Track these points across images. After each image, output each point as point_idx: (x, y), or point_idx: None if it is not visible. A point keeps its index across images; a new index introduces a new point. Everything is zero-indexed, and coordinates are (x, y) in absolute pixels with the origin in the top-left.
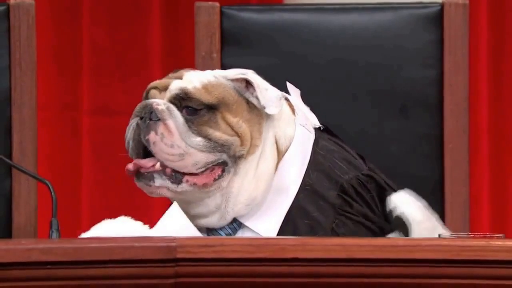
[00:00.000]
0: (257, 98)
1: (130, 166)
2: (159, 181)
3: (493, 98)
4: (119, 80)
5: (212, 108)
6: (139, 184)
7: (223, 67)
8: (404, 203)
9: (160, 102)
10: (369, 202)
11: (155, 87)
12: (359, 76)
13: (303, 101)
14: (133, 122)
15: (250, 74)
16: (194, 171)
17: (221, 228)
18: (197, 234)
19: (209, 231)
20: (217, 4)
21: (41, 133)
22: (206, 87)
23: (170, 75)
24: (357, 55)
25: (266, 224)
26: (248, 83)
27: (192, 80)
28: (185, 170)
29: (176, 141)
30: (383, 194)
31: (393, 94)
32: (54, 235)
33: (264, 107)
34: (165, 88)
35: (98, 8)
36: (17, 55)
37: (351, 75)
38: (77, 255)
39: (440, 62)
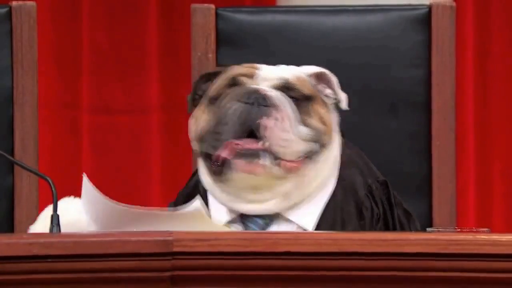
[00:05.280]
0: (333, 92)
1: (226, 152)
2: (263, 160)
3: (478, 97)
4: (117, 80)
5: (307, 99)
6: (240, 162)
7: (219, 67)
8: None
9: (269, 89)
10: (384, 208)
11: (243, 75)
12: (350, 76)
13: None
14: (234, 105)
15: (325, 70)
16: (291, 159)
17: (257, 216)
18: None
19: (243, 218)
20: (213, 6)
21: (42, 131)
22: (297, 78)
23: (244, 65)
24: (348, 55)
25: (307, 216)
26: (318, 79)
27: (281, 71)
28: (284, 157)
29: (287, 127)
30: (390, 203)
31: (382, 93)
32: (55, 229)
33: (339, 102)
34: (251, 76)
35: (97, 10)
36: (19, 55)
37: (341, 75)
38: (77, 249)
39: (428, 62)
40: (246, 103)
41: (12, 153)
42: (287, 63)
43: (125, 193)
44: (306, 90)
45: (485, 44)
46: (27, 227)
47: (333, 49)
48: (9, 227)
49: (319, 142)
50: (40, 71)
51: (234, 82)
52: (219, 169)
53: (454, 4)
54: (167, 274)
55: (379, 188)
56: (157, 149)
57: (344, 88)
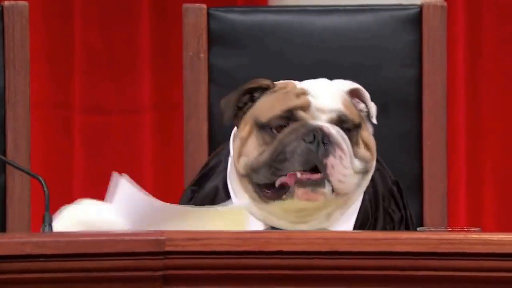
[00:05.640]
0: (365, 106)
1: (287, 180)
2: (327, 188)
3: (469, 97)
4: (109, 80)
5: (356, 127)
6: (302, 191)
7: (211, 66)
8: None
9: (329, 126)
10: (400, 207)
11: (298, 108)
12: (341, 76)
13: None
14: (296, 143)
15: (358, 86)
16: (346, 192)
17: None
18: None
19: (275, 228)
20: (204, 6)
21: (34, 131)
22: (345, 104)
23: (288, 85)
24: (339, 55)
25: (344, 224)
26: (353, 94)
27: (331, 98)
28: (341, 191)
29: (348, 164)
30: (404, 205)
31: (374, 93)
32: (47, 229)
33: (372, 117)
34: (307, 108)
35: (90, 10)
36: (11, 55)
37: (333, 75)
38: (69, 248)
39: (419, 62)
40: (309, 141)
41: (4, 153)
42: (278, 63)
43: None
44: (355, 117)
45: (476, 44)
46: (23, 226)
47: (324, 49)
48: (1, 227)
49: (367, 170)
50: (32, 71)
51: (290, 115)
52: (272, 196)
53: (445, 4)
54: (159, 273)
55: (396, 190)
56: (149, 149)
57: None
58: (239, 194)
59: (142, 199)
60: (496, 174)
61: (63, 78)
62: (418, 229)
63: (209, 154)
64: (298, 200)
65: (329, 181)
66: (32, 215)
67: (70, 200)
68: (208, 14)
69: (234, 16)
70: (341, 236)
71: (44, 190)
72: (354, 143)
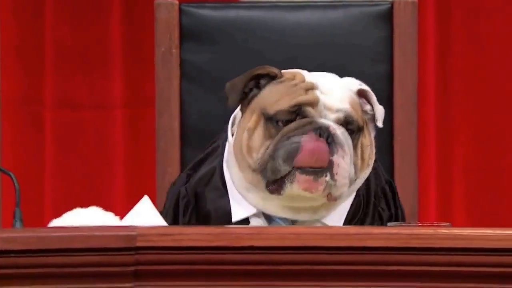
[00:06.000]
0: (371, 108)
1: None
2: (327, 177)
3: (440, 93)
4: (81, 75)
5: (359, 130)
6: (303, 178)
7: (183, 62)
8: None
9: (335, 126)
10: (390, 206)
11: (307, 104)
12: (312, 71)
13: None
14: (297, 138)
15: (366, 87)
16: (341, 192)
17: (282, 219)
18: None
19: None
20: (176, 2)
21: (5, 126)
22: (352, 105)
23: (296, 75)
24: (311, 51)
25: (335, 217)
26: (360, 95)
27: (340, 97)
28: (337, 190)
29: (349, 165)
30: (396, 206)
31: None
32: (18, 224)
33: (377, 120)
34: (315, 104)
35: (61, 5)
36: None
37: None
38: (40, 244)
39: (390, 58)
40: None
41: None
42: (250, 59)
43: (87, 187)
44: (360, 119)
45: (447, 40)
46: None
47: (296, 44)
48: None
49: (356, 178)
50: (3, 66)
51: (298, 111)
52: (276, 189)
53: (416, 0)
54: (131, 268)
55: (388, 190)
56: (120, 145)
57: None
58: (235, 176)
59: (155, 218)
60: (466, 170)
61: (34, 73)
62: (388, 224)
63: (181, 150)
64: (297, 188)
65: (334, 179)
66: (2, 211)
67: (41, 195)
68: (180, 10)
69: (206, 12)
70: (313, 231)
71: (15, 186)
72: (353, 146)
